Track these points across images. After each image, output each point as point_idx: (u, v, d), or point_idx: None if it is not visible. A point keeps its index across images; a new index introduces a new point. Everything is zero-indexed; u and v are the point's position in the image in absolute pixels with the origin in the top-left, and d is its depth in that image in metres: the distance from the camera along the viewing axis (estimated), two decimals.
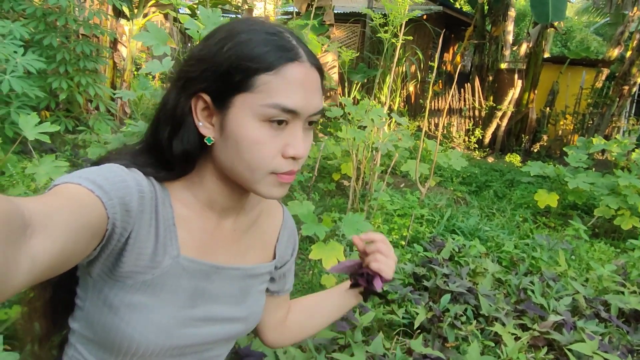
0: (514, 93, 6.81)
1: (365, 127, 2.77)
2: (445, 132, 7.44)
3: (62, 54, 3.49)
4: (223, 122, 0.55)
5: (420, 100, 7.82)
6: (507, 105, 6.90)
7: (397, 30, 5.54)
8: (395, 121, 3.08)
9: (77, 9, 3.66)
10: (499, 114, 6.99)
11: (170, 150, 0.57)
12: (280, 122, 0.54)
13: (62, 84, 3.55)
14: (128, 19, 5.31)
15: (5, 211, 0.34)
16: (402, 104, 8.00)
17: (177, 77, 0.58)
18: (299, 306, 0.84)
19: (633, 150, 3.24)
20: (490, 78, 7.47)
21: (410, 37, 4.16)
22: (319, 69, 0.58)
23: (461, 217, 2.98)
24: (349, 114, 2.78)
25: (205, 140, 0.57)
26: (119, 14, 5.25)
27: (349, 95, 7.47)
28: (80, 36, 3.83)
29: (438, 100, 7.74)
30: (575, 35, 16.91)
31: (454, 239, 2.52)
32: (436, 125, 7.74)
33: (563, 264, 2.16)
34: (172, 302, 0.58)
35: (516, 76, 6.81)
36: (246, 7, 5.26)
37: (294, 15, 5.92)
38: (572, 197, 3.20)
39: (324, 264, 1.48)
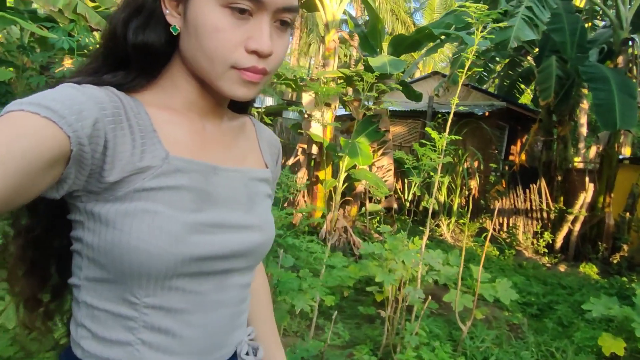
0: (585, 197, 6.36)
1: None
2: (510, 235, 7.03)
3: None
4: (186, 8, 0.53)
5: (482, 201, 7.56)
6: (579, 209, 6.43)
7: (451, 127, 5.57)
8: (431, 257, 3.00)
9: None
10: (570, 217, 6.51)
11: (136, 49, 0.55)
12: (242, 11, 0.51)
13: None
14: None
15: None
16: (464, 202, 7.79)
17: None
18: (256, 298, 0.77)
19: None
20: (559, 178, 7.09)
21: (458, 138, 4.17)
22: None
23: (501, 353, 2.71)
24: (385, 246, 2.78)
25: (171, 30, 0.55)
26: None
27: (407, 194, 7.45)
28: None
29: (502, 200, 7.43)
30: None
31: None
32: (500, 226, 7.36)
33: None
34: (173, 205, 0.53)
35: (587, 178, 6.40)
36: (305, 116, 5.65)
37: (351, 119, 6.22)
38: None
39: None
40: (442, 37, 4.87)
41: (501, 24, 3.48)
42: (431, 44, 5.56)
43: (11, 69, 3.80)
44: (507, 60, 8.85)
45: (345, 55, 12.71)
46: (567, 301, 4.41)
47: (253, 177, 0.65)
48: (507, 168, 8.01)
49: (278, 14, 0.54)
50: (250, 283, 0.66)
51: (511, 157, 9.36)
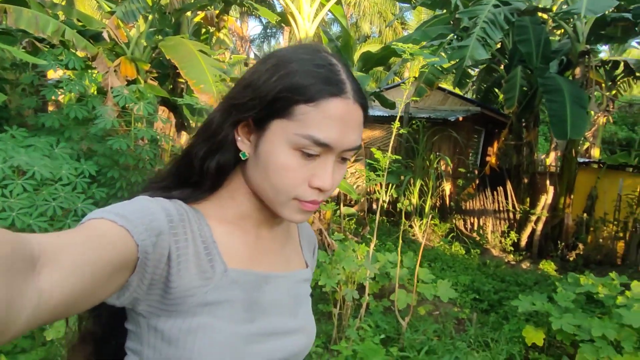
0: (546, 198, 6.81)
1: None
2: (479, 234, 7.48)
3: (121, 183, 4.36)
4: (258, 141, 0.58)
5: (452, 203, 8.00)
6: (541, 209, 6.88)
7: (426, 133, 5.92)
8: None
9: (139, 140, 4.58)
10: (534, 218, 6.96)
11: (201, 167, 0.59)
12: (310, 155, 0.56)
13: None
14: (189, 133, 6.31)
15: (9, 242, 0.33)
16: (439, 203, 8.21)
17: (225, 101, 0.61)
18: None
19: (624, 292, 3.22)
20: (526, 180, 7.53)
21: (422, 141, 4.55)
22: (363, 106, 0.59)
23: (440, 352, 3.14)
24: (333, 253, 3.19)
25: (240, 155, 0.60)
26: (181, 127, 6.28)
27: (385, 195, 7.87)
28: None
29: (473, 202, 7.87)
30: None
31: None
32: (471, 226, 7.81)
33: None
34: (230, 318, 0.57)
35: (548, 181, 6.84)
36: None
37: None
38: (560, 336, 3.22)
39: None
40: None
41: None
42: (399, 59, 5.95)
43: (2, 94, 4.15)
44: (484, 66, 9.27)
45: None
46: (517, 297, 4.84)
47: (298, 279, 0.69)
48: (476, 172, 8.45)
49: (342, 154, 0.58)
50: None
51: (487, 159, 9.80)
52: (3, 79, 4.62)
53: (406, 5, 7.68)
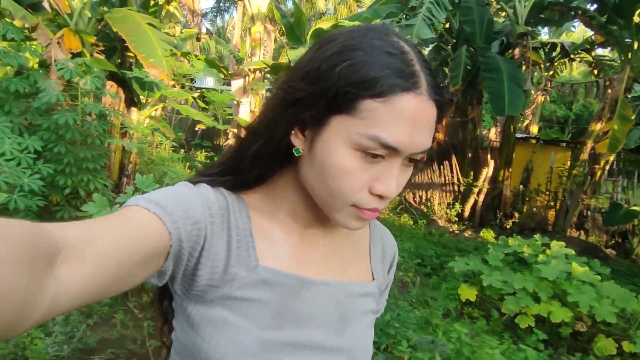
0: (487, 171, 7.29)
1: None
2: (427, 206, 7.92)
3: (68, 159, 4.28)
4: (315, 138, 0.51)
5: None
6: (482, 182, 7.37)
7: None
8: None
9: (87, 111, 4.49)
10: (476, 190, 7.45)
11: (253, 161, 0.55)
12: (375, 156, 0.49)
13: (67, 182, 4.33)
14: (139, 109, 6.20)
15: (29, 235, 0.32)
16: None
17: (281, 92, 0.54)
18: None
19: (545, 251, 3.64)
20: (470, 155, 8.00)
21: None
22: (439, 103, 0.51)
23: (384, 310, 3.42)
24: None
25: (293, 151, 0.54)
26: (130, 103, 6.14)
27: None
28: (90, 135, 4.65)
29: (421, 176, 8.28)
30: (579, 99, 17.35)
31: None
32: (420, 198, 8.23)
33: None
34: (253, 319, 0.53)
35: (489, 155, 7.33)
36: (235, 102, 6.07)
37: None
38: (489, 291, 3.60)
39: None
40: None
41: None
42: None
43: None
44: (434, 45, 9.60)
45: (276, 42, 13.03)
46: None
47: (352, 292, 0.61)
48: None
49: (411, 156, 0.51)
50: None
51: (435, 135, 10.25)
52: None
53: None
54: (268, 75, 6.34)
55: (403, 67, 0.48)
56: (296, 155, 0.54)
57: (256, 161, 0.55)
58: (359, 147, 0.48)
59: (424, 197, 8.19)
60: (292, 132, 0.53)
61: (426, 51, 10.35)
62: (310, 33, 5.74)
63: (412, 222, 6.99)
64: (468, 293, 3.65)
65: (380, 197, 0.51)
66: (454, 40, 8.23)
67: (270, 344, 0.53)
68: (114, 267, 0.40)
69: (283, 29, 6.16)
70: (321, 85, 0.49)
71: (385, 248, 0.69)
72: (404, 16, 5.60)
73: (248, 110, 6.04)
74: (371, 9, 6.36)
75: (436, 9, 5.07)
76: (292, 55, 5.09)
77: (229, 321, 0.52)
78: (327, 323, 0.58)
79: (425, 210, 7.85)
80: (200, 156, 9.88)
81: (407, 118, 0.48)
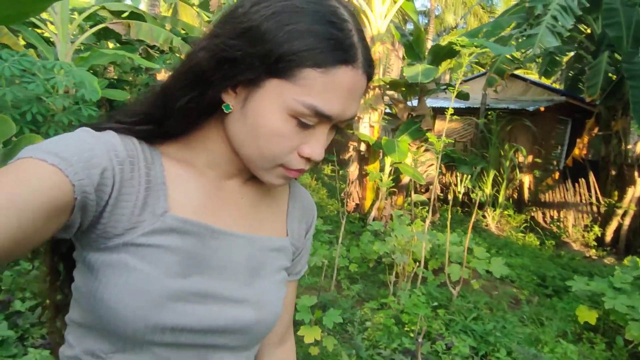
0: (634, 191, 6.43)
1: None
2: (558, 227, 7.26)
3: None
4: (248, 97, 0.51)
5: (527, 196, 7.81)
6: (628, 203, 6.51)
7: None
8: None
9: None
10: (620, 211, 6.61)
11: (176, 111, 0.52)
12: (307, 125, 0.51)
13: None
14: None
15: None
16: (516, 194, 8.08)
17: (214, 46, 0.50)
18: None
19: None
20: (613, 172, 7.13)
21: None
22: (369, 76, 0.53)
23: (488, 320, 3.37)
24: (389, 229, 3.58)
25: (223, 107, 0.53)
26: None
27: (460, 186, 7.97)
28: None
29: (553, 194, 7.63)
30: None
31: (464, 340, 3.01)
32: (551, 218, 7.59)
33: None
34: (157, 265, 0.51)
35: (636, 173, 6.45)
36: (355, 118, 6.50)
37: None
38: (613, 316, 3.25)
39: (305, 340, 2.33)
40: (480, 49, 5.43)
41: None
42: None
43: (126, 90, 5.09)
44: (572, 54, 8.84)
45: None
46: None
47: (264, 246, 0.61)
48: (555, 163, 8.13)
49: (337, 124, 0.54)
50: None
51: (576, 151, 9.32)
52: (124, 81, 5.67)
53: None
54: (388, 92, 6.65)
55: (343, 38, 0.49)
56: (226, 111, 0.53)
57: (181, 115, 0.53)
58: (294, 112, 0.50)
59: (555, 218, 7.52)
60: (224, 90, 0.52)
61: (564, 60, 9.55)
62: (429, 49, 5.90)
63: (537, 243, 6.51)
64: (587, 315, 3.38)
65: (308, 159, 0.54)
66: (594, 47, 7.50)
67: (175, 292, 0.51)
68: (14, 228, 0.38)
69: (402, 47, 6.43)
70: (262, 48, 0.48)
71: (305, 209, 0.70)
72: (529, 26, 5.43)
73: (368, 125, 6.42)
74: (494, 22, 6.25)
75: (562, 15, 4.81)
76: (407, 71, 5.32)
77: (129, 266, 0.50)
78: (235, 275, 0.57)
79: (556, 231, 7.21)
80: (327, 169, 10.57)
81: (344, 90, 0.50)
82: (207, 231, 0.55)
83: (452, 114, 8.94)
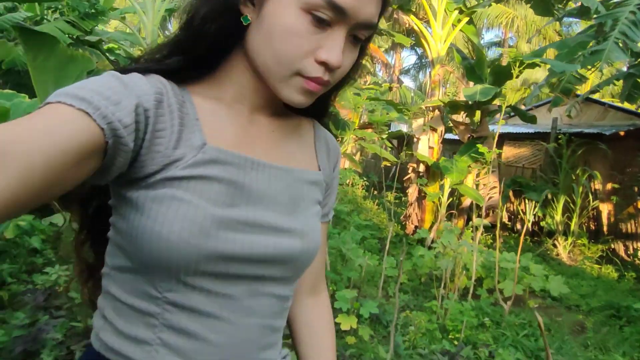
0: None
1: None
2: None
3: None
4: (263, 2, 0.51)
5: (605, 226, 7.21)
6: None
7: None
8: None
9: None
10: None
11: (200, 31, 0.53)
12: (321, 21, 0.50)
13: None
14: None
15: None
16: (592, 224, 7.51)
17: None
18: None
19: None
20: None
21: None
22: None
23: (533, 338, 3.18)
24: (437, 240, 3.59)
25: (242, 19, 0.53)
26: None
27: (529, 213, 7.61)
28: None
29: (636, 223, 6.99)
30: None
31: (512, 353, 2.89)
32: (634, 250, 6.92)
33: None
34: (203, 195, 0.51)
35: None
36: (415, 139, 6.58)
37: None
38: None
39: (342, 327, 2.42)
40: (540, 65, 5.32)
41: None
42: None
43: None
44: None
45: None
46: None
47: (300, 178, 0.61)
48: (637, 190, 7.45)
49: (355, 29, 0.52)
50: (290, 297, 0.62)
51: None
52: None
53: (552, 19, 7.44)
54: (449, 116, 6.67)
55: None
56: (244, 23, 0.53)
57: (205, 35, 0.53)
58: (307, 5, 0.49)
59: (639, 251, 6.85)
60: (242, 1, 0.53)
61: None
62: (489, 71, 5.89)
63: (616, 275, 5.97)
64: None
65: (326, 66, 0.52)
66: None
67: (224, 220, 0.52)
68: (49, 169, 0.38)
69: (464, 70, 6.46)
70: None
71: (329, 147, 0.71)
72: (597, 43, 5.25)
73: (427, 146, 6.46)
74: (560, 41, 6.11)
75: (632, 29, 4.61)
76: (466, 92, 5.35)
77: (176, 197, 0.50)
78: (278, 204, 0.57)
79: (638, 264, 6.56)
80: (390, 196, 10.59)
81: None
82: (247, 162, 0.56)
83: (519, 139, 8.65)
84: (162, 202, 0.50)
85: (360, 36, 0.54)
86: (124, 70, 0.52)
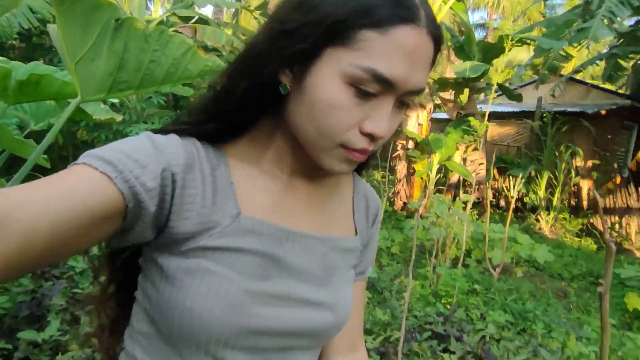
0: None
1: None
2: (620, 234, 6.89)
3: None
4: (305, 72, 0.48)
5: (585, 201, 7.48)
6: None
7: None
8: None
9: None
10: None
11: (242, 99, 0.51)
12: (367, 94, 0.47)
13: None
14: None
15: None
16: (573, 199, 7.77)
17: (271, 25, 0.51)
18: None
19: None
20: None
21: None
22: (436, 40, 0.49)
23: (529, 303, 3.34)
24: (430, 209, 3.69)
25: (280, 88, 0.50)
26: None
27: (512, 190, 7.81)
28: None
29: (614, 200, 7.26)
30: None
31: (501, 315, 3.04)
32: (612, 224, 7.21)
33: (572, 344, 2.48)
34: (237, 268, 0.50)
35: None
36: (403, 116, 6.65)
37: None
38: None
39: None
40: (529, 42, 5.42)
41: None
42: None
43: (190, 89, 5.61)
44: (639, 57, 8.42)
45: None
46: None
47: (336, 247, 0.59)
48: (616, 166, 7.73)
49: (403, 97, 0.49)
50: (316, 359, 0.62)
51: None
52: (189, 83, 6.20)
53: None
54: (438, 93, 6.75)
55: None
56: (283, 92, 0.51)
57: (244, 102, 0.51)
58: (352, 80, 0.46)
59: (617, 225, 7.14)
60: (281, 69, 0.50)
61: (630, 64, 9.10)
62: (477, 48, 5.96)
63: (595, 247, 6.23)
64: (637, 302, 3.28)
65: (371, 137, 0.49)
66: None
67: (257, 295, 0.50)
68: (64, 228, 0.39)
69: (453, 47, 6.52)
70: (316, 14, 0.46)
71: (369, 204, 0.68)
72: (584, 21, 5.35)
73: (415, 123, 6.54)
74: (547, 20, 6.20)
75: (618, 7, 4.72)
76: (456, 68, 5.42)
77: (210, 270, 0.49)
78: (311, 276, 0.56)
79: (616, 237, 6.84)
80: (377, 175, 10.70)
81: (405, 51, 0.46)
82: (283, 233, 0.54)
83: (505, 118, 8.81)
84: (195, 275, 0.48)
85: (408, 102, 0.51)
86: (164, 131, 0.52)
